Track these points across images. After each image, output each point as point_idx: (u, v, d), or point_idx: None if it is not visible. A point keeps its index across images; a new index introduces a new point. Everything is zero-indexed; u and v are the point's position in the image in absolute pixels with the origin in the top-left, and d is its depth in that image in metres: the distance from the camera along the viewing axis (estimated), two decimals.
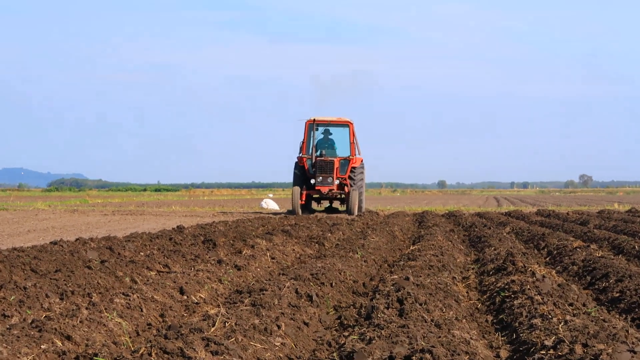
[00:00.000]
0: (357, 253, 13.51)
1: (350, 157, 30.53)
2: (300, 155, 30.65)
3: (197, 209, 40.03)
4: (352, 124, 30.92)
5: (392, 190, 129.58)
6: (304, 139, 30.64)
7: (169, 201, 58.37)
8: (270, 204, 43.32)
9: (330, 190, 30.23)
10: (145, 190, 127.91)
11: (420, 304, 8.08)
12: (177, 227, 19.50)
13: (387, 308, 7.97)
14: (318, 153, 30.41)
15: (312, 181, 30.25)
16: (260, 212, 35.71)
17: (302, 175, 30.54)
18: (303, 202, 30.39)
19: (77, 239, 14.97)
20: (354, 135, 30.81)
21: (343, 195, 30.73)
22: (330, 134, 31.42)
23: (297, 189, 30.13)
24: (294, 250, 14.97)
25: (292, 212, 30.38)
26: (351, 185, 30.46)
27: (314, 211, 31.78)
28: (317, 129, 30.80)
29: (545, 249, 15.21)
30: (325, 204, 33.10)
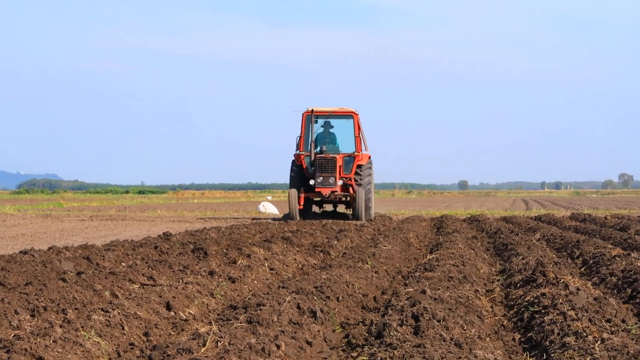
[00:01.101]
0: (367, 263, 13.52)
1: (356, 153, 29.72)
2: (297, 152, 29.85)
3: (186, 214, 40.09)
4: (356, 114, 30.03)
5: (407, 191, 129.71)
6: (301, 134, 29.87)
7: (154, 205, 58.48)
8: (268, 208, 43.38)
9: (333, 192, 29.37)
10: (127, 192, 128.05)
11: (439, 321, 8.09)
12: (164, 234, 19.54)
13: (401, 325, 7.98)
14: (318, 149, 29.54)
15: (312, 182, 29.40)
16: (258, 218, 35.73)
17: (300, 175, 29.73)
18: (302, 206, 29.68)
19: (50, 248, 15.00)
20: (359, 127, 29.88)
21: (348, 198, 29.73)
22: (332, 126, 30.63)
23: (294, 191, 29.38)
24: (295, 260, 14.99)
25: (289, 217, 29.51)
26: (357, 186, 29.60)
27: (315, 217, 30.92)
28: (316, 122, 29.91)
29: (580, 258, 15.21)
30: (328, 207, 32.06)
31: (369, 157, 30.36)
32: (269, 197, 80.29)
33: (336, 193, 29.46)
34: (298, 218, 29.14)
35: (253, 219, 33.71)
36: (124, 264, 13.22)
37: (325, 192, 29.34)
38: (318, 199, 30.08)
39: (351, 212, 30.36)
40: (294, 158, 30.02)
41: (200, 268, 13.05)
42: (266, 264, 13.53)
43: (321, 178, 29.24)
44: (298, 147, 29.92)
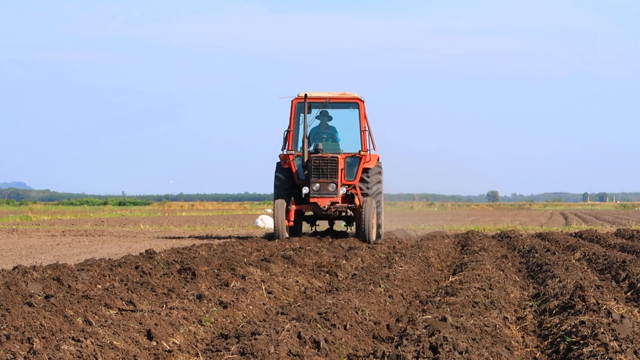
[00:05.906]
0: (380, 286, 13.54)
1: (362, 152, 26.65)
2: (285, 152, 26.84)
3: (172, 228, 40.14)
4: (362, 101, 27.09)
5: (428, 203, 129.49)
6: (289, 127, 26.87)
7: (137, 218, 58.54)
8: (267, 222, 43.37)
9: (333, 203, 26.12)
10: (105, 203, 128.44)
11: (460, 353, 8.10)
12: (146, 251, 19.57)
13: (417, 357, 7.99)
14: (312, 148, 26.40)
15: (305, 190, 26.28)
16: (253, 235, 35.75)
17: (288, 181, 26.78)
18: (291, 222, 26.59)
19: (15, 268, 15.03)
20: (365, 119, 26.91)
21: (351, 213, 26.77)
22: (330, 118, 27.71)
23: (281, 202, 26.32)
24: (297, 282, 15.01)
25: (273, 237, 26.41)
26: (364, 196, 26.50)
27: (314, 235, 27.84)
28: (310, 111, 26.66)
29: (626, 281, 15.21)
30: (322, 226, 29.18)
31: (378, 159, 27.41)
32: (269, 210, 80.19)
33: (337, 205, 26.32)
34: (286, 236, 26.20)
35: (249, 237, 33.75)
36: (99, 287, 13.25)
37: (324, 203, 26.10)
38: (312, 212, 27.03)
39: (355, 230, 27.45)
40: (279, 160, 27.15)
41: (187, 291, 13.06)
42: (263, 287, 13.55)
43: (318, 185, 26.02)
44: (285, 145, 26.98)
